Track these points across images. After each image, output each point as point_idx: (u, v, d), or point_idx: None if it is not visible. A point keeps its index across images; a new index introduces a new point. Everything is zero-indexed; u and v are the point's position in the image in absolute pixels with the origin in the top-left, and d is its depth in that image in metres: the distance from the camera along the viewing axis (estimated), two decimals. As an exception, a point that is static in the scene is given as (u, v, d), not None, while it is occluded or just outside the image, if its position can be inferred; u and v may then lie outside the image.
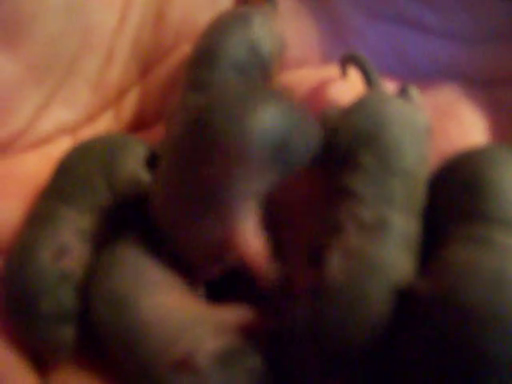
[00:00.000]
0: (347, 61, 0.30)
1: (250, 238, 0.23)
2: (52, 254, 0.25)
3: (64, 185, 0.27)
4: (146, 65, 0.32)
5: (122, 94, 0.32)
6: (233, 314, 0.24)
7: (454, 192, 0.24)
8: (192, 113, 0.24)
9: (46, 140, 0.31)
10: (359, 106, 0.26)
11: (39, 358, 0.26)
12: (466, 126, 0.29)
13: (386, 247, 0.22)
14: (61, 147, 0.30)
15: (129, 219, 0.27)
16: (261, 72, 0.29)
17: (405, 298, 0.22)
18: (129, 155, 0.27)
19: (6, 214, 0.28)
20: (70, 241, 0.26)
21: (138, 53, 0.32)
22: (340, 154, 0.25)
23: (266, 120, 0.23)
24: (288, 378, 0.23)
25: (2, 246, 0.27)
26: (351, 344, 0.21)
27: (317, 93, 0.30)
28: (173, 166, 0.24)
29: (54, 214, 0.26)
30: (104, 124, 0.32)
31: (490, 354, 0.19)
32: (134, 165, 0.27)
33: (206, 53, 0.29)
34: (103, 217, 0.27)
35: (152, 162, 0.28)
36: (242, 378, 0.22)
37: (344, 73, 0.30)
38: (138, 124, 0.33)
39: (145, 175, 0.27)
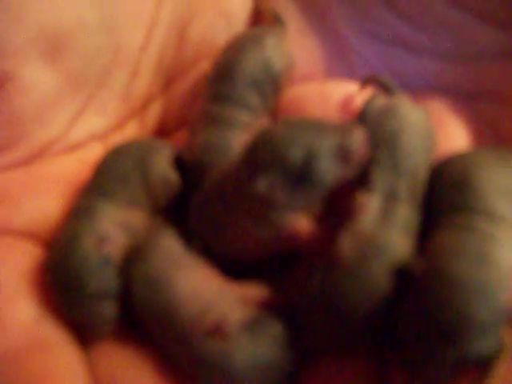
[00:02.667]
0: (369, 82, 0.33)
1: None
2: (94, 242, 0.28)
3: (103, 182, 0.30)
4: (168, 79, 0.35)
5: (146, 104, 0.35)
6: (254, 289, 0.28)
7: (445, 188, 0.28)
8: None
9: (80, 145, 0.33)
10: (388, 110, 0.29)
11: (82, 336, 0.28)
12: (451, 134, 0.32)
13: (391, 232, 0.26)
14: (92, 152, 0.33)
15: (160, 212, 0.30)
16: (272, 86, 0.33)
17: (404, 273, 0.26)
18: (160, 156, 0.31)
19: (45, 210, 0.31)
20: (109, 230, 0.29)
21: (162, 68, 0.35)
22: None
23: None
24: (305, 341, 0.27)
25: (44, 238, 0.30)
26: (357, 310, 0.25)
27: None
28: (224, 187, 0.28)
29: (95, 207, 0.29)
30: (130, 131, 0.35)
31: (475, 315, 0.24)
32: (164, 164, 0.31)
33: (226, 69, 0.32)
34: (137, 210, 0.30)
35: (178, 162, 0.31)
36: (267, 343, 0.26)
37: (362, 89, 0.33)
38: (160, 131, 0.36)
39: (173, 173, 0.31)
